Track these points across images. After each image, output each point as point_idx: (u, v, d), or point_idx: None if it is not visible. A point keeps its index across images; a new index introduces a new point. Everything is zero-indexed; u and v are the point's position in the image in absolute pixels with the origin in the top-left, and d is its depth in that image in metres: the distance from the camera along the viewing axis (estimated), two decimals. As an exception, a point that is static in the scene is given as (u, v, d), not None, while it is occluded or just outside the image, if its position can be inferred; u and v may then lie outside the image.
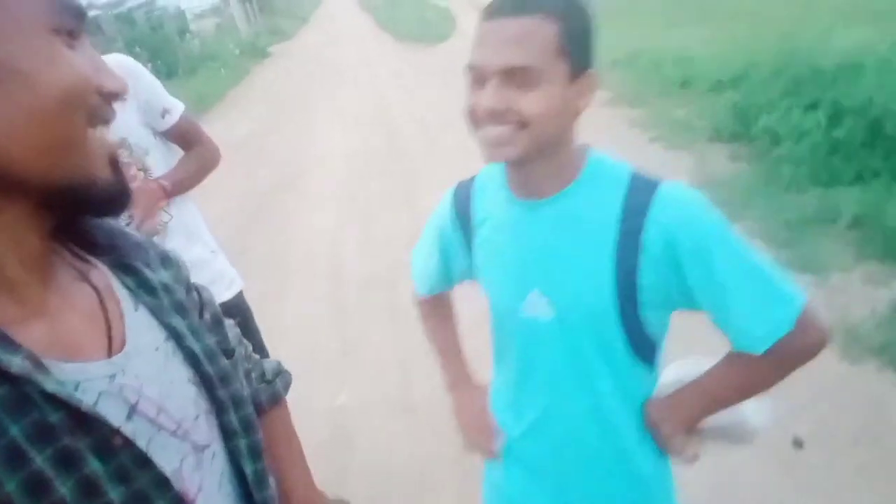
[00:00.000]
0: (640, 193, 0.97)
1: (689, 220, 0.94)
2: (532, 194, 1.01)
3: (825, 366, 2.54)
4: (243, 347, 0.90)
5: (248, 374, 0.88)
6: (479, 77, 0.92)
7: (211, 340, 0.72)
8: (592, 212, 0.98)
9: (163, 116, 1.67)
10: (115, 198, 0.58)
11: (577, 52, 0.91)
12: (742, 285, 0.93)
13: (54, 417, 0.50)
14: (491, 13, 0.92)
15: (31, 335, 0.53)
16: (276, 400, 0.93)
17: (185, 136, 1.75)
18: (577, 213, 0.99)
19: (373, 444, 2.61)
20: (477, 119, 0.93)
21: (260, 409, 0.90)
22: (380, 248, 4.35)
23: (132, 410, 0.57)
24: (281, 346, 3.29)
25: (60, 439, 0.50)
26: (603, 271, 0.97)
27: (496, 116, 0.90)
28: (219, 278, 1.86)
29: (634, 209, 0.96)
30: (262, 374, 0.92)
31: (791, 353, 0.97)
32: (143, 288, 0.67)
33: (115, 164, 0.58)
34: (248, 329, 2.02)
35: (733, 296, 0.93)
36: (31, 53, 0.51)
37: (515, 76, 0.88)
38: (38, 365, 0.50)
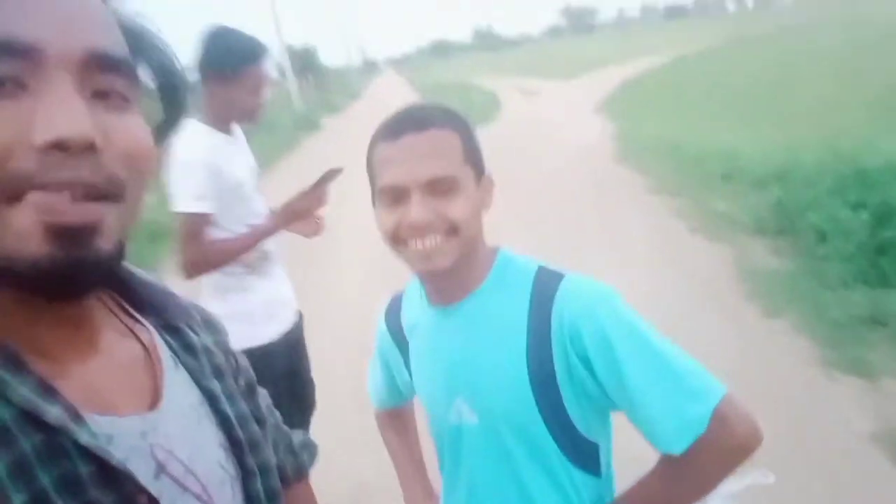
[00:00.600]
0: (544, 288, 0.97)
1: (591, 314, 0.92)
2: (445, 299, 1.02)
3: (872, 468, 2.42)
4: (273, 417, 0.90)
5: (275, 445, 0.88)
6: (397, 195, 0.93)
7: (244, 406, 0.72)
8: (502, 311, 0.98)
9: None
10: (45, 276, 0.48)
11: (475, 156, 0.97)
12: (649, 381, 0.90)
13: (84, 470, 0.50)
14: (393, 133, 0.94)
15: (71, 386, 0.53)
16: (301, 473, 0.91)
17: None
18: (487, 313, 0.99)
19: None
20: (402, 236, 0.93)
21: (285, 481, 0.88)
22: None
23: (160, 469, 0.57)
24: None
25: (88, 492, 0.50)
26: (518, 370, 0.95)
27: (425, 228, 0.91)
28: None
29: (540, 304, 0.96)
30: (290, 445, 0.90)
31: (714, 453, 0.89)
32: (185, 349, 0.68)
33: (57, 234, 0.47)
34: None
35: (642, 393, 0.89)
36: None
37: (438, 186, 0.91)
38: (76, 416, 0.51)
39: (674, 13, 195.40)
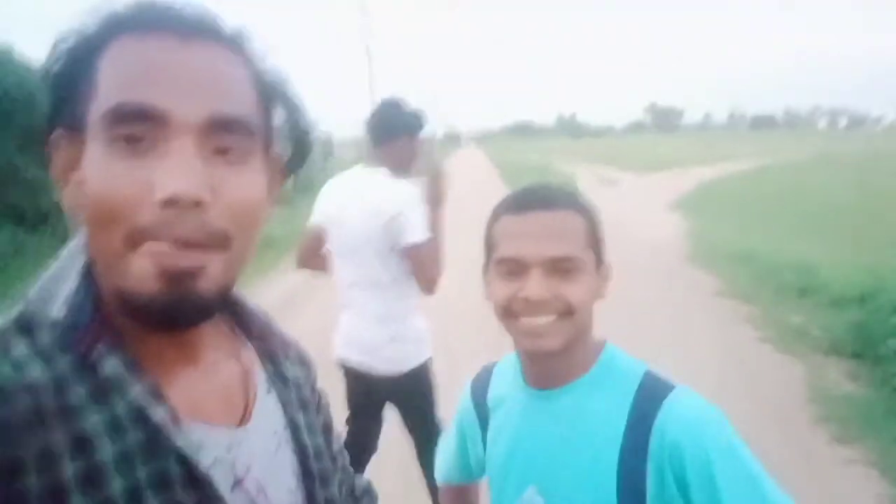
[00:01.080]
0: (649, 397, 0.93)
1: (696, 436, 0.88)
2: (544, 383, 0.99)
3: None
4: (343, 458, 0.92)
5: (340, 485, 0.90)
6: (516, 269, 0.92)
7: (322, 441, 0.76)
8: (600, 408, 0.95)
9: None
10: (156, 313, 0.54)
11: (597, 243, 0.97)
12: None
13: (175, 470, 0.55)
14: (521, 207, 0.95)
15: (179, 391, 0.59)
16: None
17: None
18: (584, 407, 0.96)
19: None
20: (515, 310, 0.92)
21: None
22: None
23: (237, 484, 0.61)
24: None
25: (175, 492, 0.54)
26: (607, 476, 0.91)
27: (541, 306, 0.90)
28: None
29: (642, 414, 0.92)
30: (352, 490, 0.92)
31: None
32: (278, 377, 0.73)
33: (168, 277, 0.53)
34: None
35: None
36: (91, 167, 0.54)
37: (559, 266, 0.90)
38: (175, 419, 0.56)
39: (761, 123, 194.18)
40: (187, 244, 0.53)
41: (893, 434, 3.51)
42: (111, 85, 0.54)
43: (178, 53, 0.54)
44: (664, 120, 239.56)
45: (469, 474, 1.23)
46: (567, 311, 0.91)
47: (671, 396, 0.92)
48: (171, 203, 0.51)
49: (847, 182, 17.72)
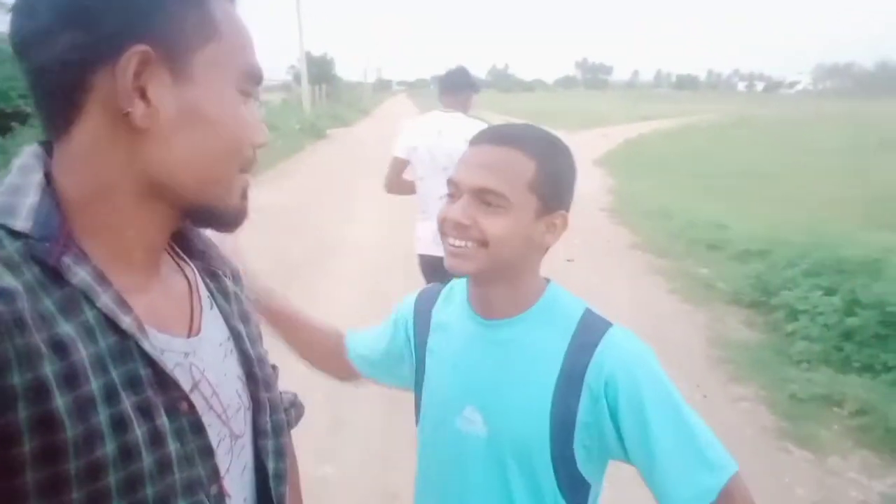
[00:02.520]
0: (588, 333, 0.99)
1: (631, 370, 0.95)
2: (487, 313, 1.05)
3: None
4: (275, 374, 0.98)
5: None
6: (454, 193, 0.99)
7: (262, 350, 0.83)
8: (540, 342, 1.00)
9: None
10: (235, 219, 0.70)
11: (549, 191, 0.97)
12: (672, 445, 0.93)
13: (144, 372, 0.60)
14: (477, 140, 1.01)
15: (139, 303, 0.63)
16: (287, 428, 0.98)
17: None
18: (525, 339, 1.01)
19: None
20: (444, 229, 0.99)
21: None
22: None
23: (194, 386, 0.67)
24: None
25: (145, 391, 0.60)
26: (541, 401, 0.98)
27: (460, 230, 0.96)
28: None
29: (581, 346, 0.98)
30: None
31: None
32: (220, 292, 0.79)
33: (244, 194, 0.70)
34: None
35: (662, 454, 0.93)
36: (221, 107, 0.64)
37: (485, 197, 0.95)
38: (141, 327, 0.61)
39: (685, 83, 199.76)
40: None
41: (780, 374, 3.89)
42: (238, 41, 0.66)
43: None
44: (594, 76, 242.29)
45: (368, 368, 1.27)
46: (482, 242, 0.95)
47: (610, 332, 0.98)
48: (261, 146, 0.70)
49: (762, 143, 18.66)
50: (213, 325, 0.75)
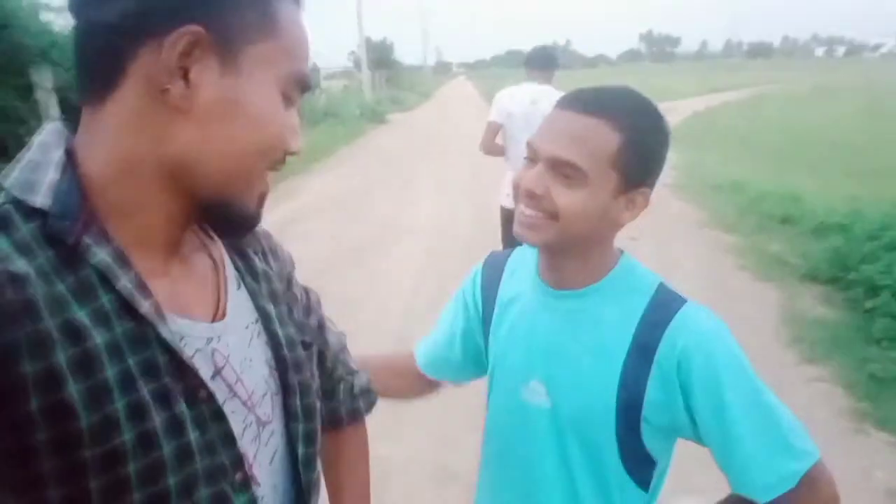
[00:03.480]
0: (662, 308, 0.95)
1: (707, 349, 0.90)
2: (558, 284, 1.01)
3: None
4: (345, 355, 0.96)
5: (339, 383, 0.93)
6: (533, 156, 0.93)
7: (293, 331, 0.79)
8: (611, 314, 0.97)
9: None
10: (247, 223, 0.68)
11: (632, 167, 0.90)
12: (751, 428, 0.89)
13: (161, 359, 0.59)
14: (565, 102, 0.93)
15: (159, 286, 0.62)
16: (355, 416, 0.95)
17: None
18: (596, 312, 0.98)
19: (406, 502, 2.62)
20: (518, 194, 0.95)
21: (339, 422, 0.94)
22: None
23: (216, 372, 0.66)
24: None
25: (162, 378, 0.59)
26: (609, 376, 0.94)
27: (533, 199, 0.91)
28: None
29: (653, 322, 0.94)
30: (351, 388, 0.94)
31: None
32: (248, 272, 0.77)
33: (262, 199, 0.68)
34: None
35: (740, 437, 0.89)
36: (262, 104, 0.62)
37: (561, 169, 0.89)
38: (160, 313, 0.60)
39: (758, 51, 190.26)
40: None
41: (858, 354, 3.68)
42: (294, 45, 0.65)
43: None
44: (660, 48, 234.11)
45: (444, 369, 1.22)
46: (552, 214, 0.90)
47: (684, 308, 0.94)
48: (295, 153, 0.68)
49: (842, 112, 17.60)
50: (239, 306, 0.73)
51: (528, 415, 1.02)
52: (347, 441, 0.95)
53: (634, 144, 0.90)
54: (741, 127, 15.07)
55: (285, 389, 0.76)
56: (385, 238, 6.62)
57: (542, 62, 3.92)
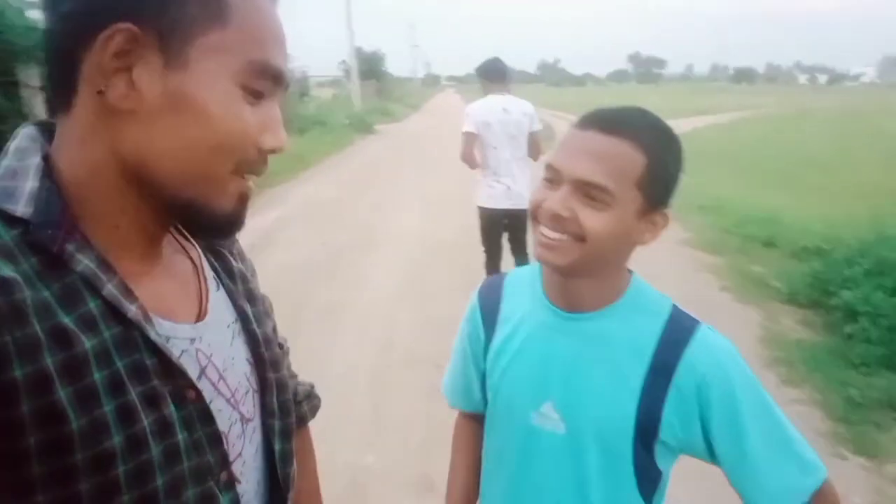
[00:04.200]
0: (678, 329, 0.95)
1: (724, 370, 0.92)
2: (571, 306, 0.99)
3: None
4: (287, 360, 0.96)
5: None
6: (554, 177, 0.92)
7: (270, 330, 0.81)
8: (627, 337, 0.96)
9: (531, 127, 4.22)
10: (227, 226, 0.65)
11: (656, 188, 0.91)
12: (766, 446, 0.91)
13: (149, 362, 0.59)
14: (586, 122, 0.92)
15: (143, 289, 0.62)
16: (301, 422, 0.95)
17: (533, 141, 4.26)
18: (611, 335, 0.97)
19: (382, 514, 2.59)
20: (539, 216, 0.93)
21: None
22: (431, 327, 4.42)
23: (201, 373, 0.66)
24: (322, 394, 3.38)
25: (151, 381, 0.59)
26: (627, 399, 0.94)
27: (557, 221, 0.90)
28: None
29: (671, 343, 0.94)
30: (294, 395, 0.94)
31: None
32: (226, 272, 0.78)
33: (242, 199, 0.65)
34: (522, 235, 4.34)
35: (756, 457, 0.91)
36: (213, 98, 0.59)
37: (588, 191, 0.88)
38: (146, 316, 0.60)
39: (742, 76, 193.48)
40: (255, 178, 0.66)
41: (837, 378, 3.71)
42: (251, 33, 0.60)
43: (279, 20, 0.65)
44: (647, 69, 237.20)
45: (473, 401, 1.19)
46: (579, 237, 0.89)
47: (700, 330, 0.95)
48: (273, 151, 0.64)
49: (822, 136, 17.91)
50: (220, 307, 0.73)
51: (539, 440, 1.00)
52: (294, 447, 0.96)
53: (658, 165, 0.90)
54: (726, 148, 15.29)
55: (262, 387, 0.76)
56: (371, 244, 6.62)
57: (501, 74, 4.24)
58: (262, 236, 6.72)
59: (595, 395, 0.96)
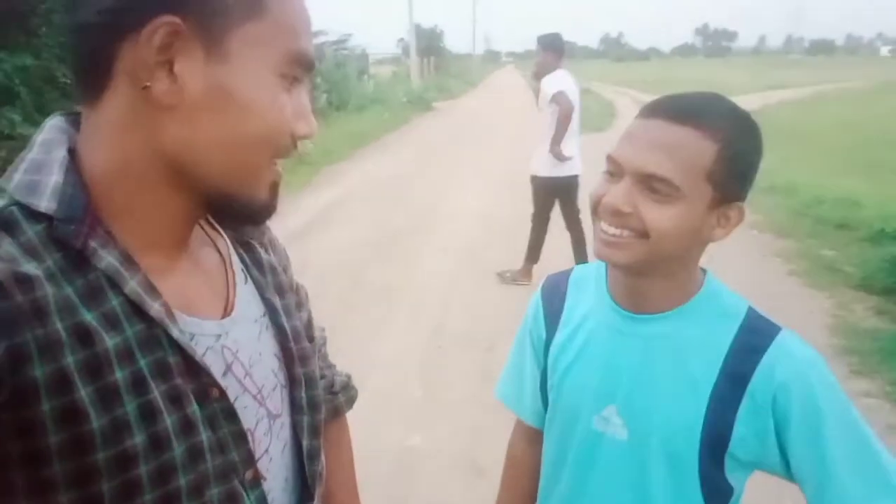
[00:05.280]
0: (755, 335, 0.89)
1: (806, 381, 0.85)
2: (638, 307, 0.94)
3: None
4: (325, 360, 0.96)
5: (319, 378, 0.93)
6: (616, 170, 0.86)
7: (299, 323, 0.79)
8: (698, 341, 0.91)
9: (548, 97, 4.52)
10: (260, 215, 0.65)
11: (728, 180, 0.84)
12: (849, 465, 0.84)
13: (173, 360, 0.59)
14: (650, 111, 0.86)
15: (168, 286, 0.61)
16: (337, 414, 0.95)
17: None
18: (681, 337, 0.92)
19: (431, 493, 2.61)
20: (599, 211, 0.89)
21: None
22: (485, 310, 4.41)
23: (227, 369, 0.65)
24: (372, 374, 3.43)
25: (174, 379, 0.58)
26: (695, 407, 0.89)
27: (618, 217, 0.85)
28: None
29: (745, 350, 0.88)
30: (331, 386, 0.94)
31: None
32: (255, 264, 0.76)
33: (275, 188, 0.65)
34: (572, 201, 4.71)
35: (837, 474, 0.84)
36: (255, 90, 0.59)
37: (652, 185, 0.83)
38: (170, 313, 0.59)
39: (819, 48, 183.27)
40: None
41: (912, 369, 3.51)
42: (287, 22, 0.61)
43: None
44: (715, 43, 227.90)
45: (530, 407, 1.12)
46: (642, 233, 0.84)
47: (781, 336, 0.88)
48: (305, 137, 0.64)
49: (905, 113, 16.81)
50: (247, 300, 0.72)
51: (602, 446, 0.96)
52: (329, 438, 0.94)
53: (730, 155, 0.83)
54: (799, 126, 14.55)
55: (291, 382, 0.75)
56: (426, 225, 6.63)
57: (563, 50, 4.63)
58: (319, 215, 6.83)
59: (660, 400, 0.91)
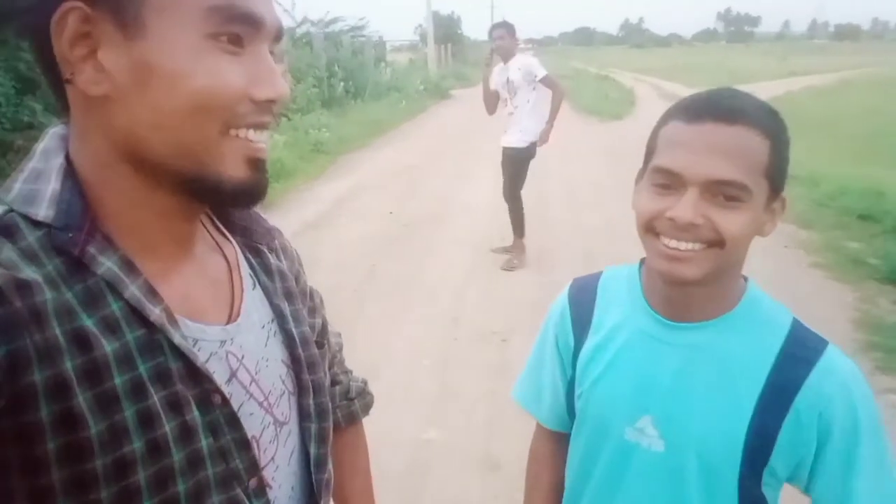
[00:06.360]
0: (802, 348, 0.87)
1: (851, 400, 0.84)
2: (675, 314, 0.91)
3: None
4: (342, 367, 0.94)
5: (335, 385, 0.91)
6: (671, 183, 0.82)
7: (307, 329, 0.77)
8: (742, 352, 0.88)
9: (535, 77, 4.87)
10: (243, 195, 0.60)
11: (779, 174, 0.83)
12: (871, 485, 0.84)
13: (174, 365, 0.57)
14: (695, 114, 0.82)
15: (171, 291, 0.60)
16: (353, 420, 0.94)
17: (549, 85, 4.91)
18: (724, 347, 0.89)
19: (446, 488, 2.60)
20: (657, 228, 0.84)
21: (335, 425, 0.91)
22: (501, 303, 4.38)
23: (232, 375, 0.64)
24: (386, 367, 3.42)
25: (175, 385, 0.57)
26: (737, 420, 0.86)
27: (689, 231, 0.81)
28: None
29: (792, 363, 0.86)
30: (346, 392, 0.93)
31: None
32: (263, 270, 0.75)
33: (253, 164, 0.60)
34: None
35: (858, 493, 0.84)
36: (179, 58, 0.55)
37: (722, 191, 0.79)
38: (171, 318, 0.58)
39: (845, 33, 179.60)
40: (263, 130, 0.60)
41: (940, 366, 3.42)
42: None
43: None
44: (738, 28, 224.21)
45: (553, 414, 1.09)
46: (716, 243, 0.81)
47: (828, 353, 0.87)
48: (272, 101, 0.59)
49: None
50: (255, 306, 0.70)
51: (634, 457, 0.94)
52: (345, 444, 0.93)
53: (780, 149, 0.83)
54: (823, 113, 14.26)
55: (299, 389, 0.74)
56: (442, 215, 6.60)
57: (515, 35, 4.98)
58: (334, 205, 6.82)
59: (701, 411, 0.88)
